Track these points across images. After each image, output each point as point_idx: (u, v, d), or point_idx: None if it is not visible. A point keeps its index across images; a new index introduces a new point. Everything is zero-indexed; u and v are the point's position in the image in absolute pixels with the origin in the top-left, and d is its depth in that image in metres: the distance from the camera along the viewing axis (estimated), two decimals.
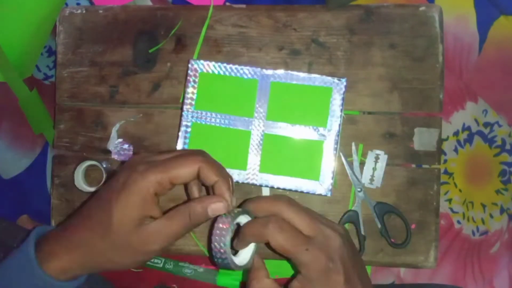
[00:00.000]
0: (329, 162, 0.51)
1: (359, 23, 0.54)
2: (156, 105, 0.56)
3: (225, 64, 0.52)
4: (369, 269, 0.62)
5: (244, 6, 0.56)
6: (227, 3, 0.58)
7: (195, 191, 0.43)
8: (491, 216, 0.60)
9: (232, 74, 0.52)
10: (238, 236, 0.40)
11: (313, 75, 0.51)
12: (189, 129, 0.52)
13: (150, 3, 0.61)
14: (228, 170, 0.51)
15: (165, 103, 0.56)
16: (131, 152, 0.56)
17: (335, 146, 0.51)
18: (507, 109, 0.60)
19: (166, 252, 0.56)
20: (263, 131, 0.52)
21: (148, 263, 0.62)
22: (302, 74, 0.52)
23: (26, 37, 0.60)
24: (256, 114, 0.52)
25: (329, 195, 0.51)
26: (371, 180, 0.53)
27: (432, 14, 0.54)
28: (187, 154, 0.40)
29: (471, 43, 0.60)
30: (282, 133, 0.52)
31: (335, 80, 0.51)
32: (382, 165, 0.53)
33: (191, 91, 0.52)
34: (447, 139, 0.60)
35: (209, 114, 0.52)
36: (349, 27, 0.55)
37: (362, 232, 0.52)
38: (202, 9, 0.56)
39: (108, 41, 0.57)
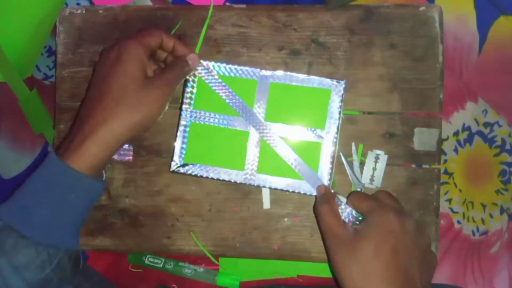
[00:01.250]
0: (326, 164, 0.51)
1: (359, 23, 0.54)
2: None
3: (224, 64, 0.52)
4: None
5: (244, 6, 0.56)
6: (227, 3, 0.58)
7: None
8: (491, 216, 0.60)
9: (232, 74, 0.52)
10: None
11: (312, 77, 0.51)
12: (187, 129, 0.52)
13: (150, 3, 0.61)
14: (225, 170, 0.51)
15: None
16: (131, 152, 0.56)
17: (333, 148, 0.51)
18: (507, 109, 0.60)
19: (166, 252, 0.56)
20: (261, 132, 0.52)
21: (148, 263, 0.62)
22: (301, 76, 0.52)
23: (26, 37, 0.60)
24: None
25: None
26: (371, 180, 0.53)
27: (432, 14, 0.54)
28: (151, 30, 0.50)
29: (471, 43, 0.60)
30: (280, 134, 0.52)
31: (334, 82, 0.51)
32: (382, 165, 0.53)
33: (190, 91, 0.52)
34: (447, 139, 0.60)
35: (207, 114, 0.52)
36: (349, 27, 0.55)
37: None
38: (202, 9, 0.56)
39: (108, 41, 0.57)
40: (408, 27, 0.54)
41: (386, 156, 0.53)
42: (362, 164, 0.53)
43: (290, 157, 0.51)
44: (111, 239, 0.55)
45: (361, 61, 0.54)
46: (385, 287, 0.40)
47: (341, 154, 0.53)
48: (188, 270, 0.60)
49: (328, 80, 0.51)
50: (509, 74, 0.59)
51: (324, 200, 0.47)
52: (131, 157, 0.56)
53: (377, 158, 0.53)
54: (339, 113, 0.51)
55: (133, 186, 0.56)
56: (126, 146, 0.56)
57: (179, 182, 0.55)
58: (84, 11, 0.57)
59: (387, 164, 0.53)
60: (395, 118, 0.54)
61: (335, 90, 0.51)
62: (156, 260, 0.60)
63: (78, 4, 0.61)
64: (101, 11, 0.57)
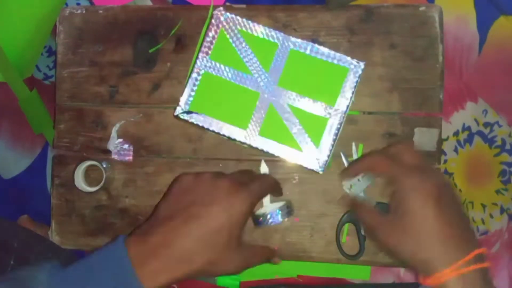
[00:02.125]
0: (328, 140, 0.51)
1: (359, 23, 0.54)
2: (156, 105, 0.56)
3: (249, 21, 0.51)
4: (369, 269, 0.62)
5: (244, 6, 0.56)
6: (227, 3, 0.58)
7: None
8: (491, 216, 0.60)
9: (254, 33, 0.51)
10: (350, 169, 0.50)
11: (333, 52, 0.51)
12: (199, 77, 0.52)
13: (150, 3, 0.61)
14: (228, 125, 0.51)
15: (165, 103, 0.56)
16: (131, 152, 0.56)
17: (338, 126, 0.51)
18: (507, 109, 0.60)
19: None
20: (271, 95, 0.51)
21: None
22: (322, 49, 0.51)
23: (26, 37, 0.60)
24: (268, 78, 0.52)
25: (321, 172, 0.51)
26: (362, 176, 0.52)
27: (432, 14, 0.54)
28: (265, 179, 0.47)
29: (471, 43, 0.60)
30: (289, 102, 0.51)
31: (354, 61, 0.51)
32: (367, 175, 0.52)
33: (210, 40, 0.51)
34: (447, 139, 0.60)
35: (222, 66, 0.51)
36: (349, 27, 0.55)
37: (362, 232, 0.52)
38: (202, 9, 0.56)
39: (108, 41, 0.57)
40: (408, 27, 0.54)
41: None
42: None
43: (294, 126, 0.51)
44: (111, 239, 0.55)
45: None
46: (444, 249, 0.40)
47: (341, 153, 0.53)
48: None
49: (348, 59, 0.51)
50: (509, 74, 0.59)
51: (356, 207, 0.48)
52: (131, 157, 0.56)
53: None
54: (352, 93, 0.51)
55: (133, 186, 0.56)
56: (126, 146, 0.56)
57: None
58: (84, 11, 0.57)
59: None
60: (395, 118, 0.54)
61: (353, 69, 0.51)
62: None
63: (78, 4, 0.61)
64: (101, 11, 0.57)
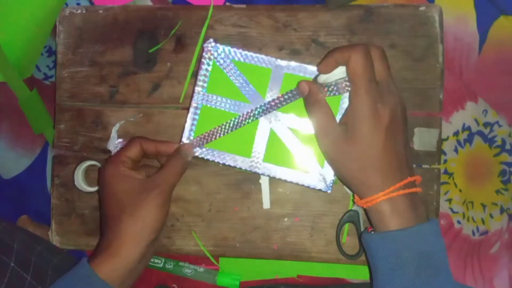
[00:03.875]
0: None
1: (359, 23, 0.55)
2: (156, 105, 0.56)
3: (240, 50, 0.52)
4: (369, 269, 0.62)
5: (244, 6, 0.56)
6: (227, 3, 0.58)
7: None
8: (491, 216, 0.60)
9: (247, 61, 0.52)
10: (324, 59, 0.45)
11: None
12: (198, 111, 0.52)
13: (150, 3, 0.61)
14: (232, 155, 0.51)
15: (165, 103, 0.56)
16: None
17: None
18: (507, 109, 0.60)
19: (166, 252, 0.56)
20: (270, 121, 0.51)
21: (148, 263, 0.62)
22: (315, 68, 0.51)
23: (26, 37, 0.60)
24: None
25: (329, 191, 0.51)
26: None
27: (432, 14, 0.54)
28: (128, 143, 0.51)
29: (471, 43, 0.60)
30: (290, 125, 0.51)
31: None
32: None
33: (204, 74, 0.52)
34: (447, 139, 0.60)
35: (219, 98, 0.52)
36: (349, 27, 0.55)
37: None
38: (202, 9, 0.56)
39: (108, 41, 0.57)
40: (408, 27, 0.54)
41: None
42: None
43: (297, 149, 0.51)
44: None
45: None
46: (380, 177, 0.43)
47: None
48: (188, 270, 0.60)
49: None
50: (509, 74, 0.59)
51: (312, 101, 0.46)
52: None
53: None
54: None
55: None
56: None
57: (179, 182, 0.55)
58: (84, 11, 0.57)
59: None
60: None
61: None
62: (156, 260, 0.60)
63: (78, 4, 0.61)
64: (101, 11, 0.57)
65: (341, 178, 0.47)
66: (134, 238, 0.46)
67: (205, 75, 0.52)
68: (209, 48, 0.51)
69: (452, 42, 0.59)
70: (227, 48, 0.51)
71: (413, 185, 0.44)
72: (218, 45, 0.51)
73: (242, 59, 0.52)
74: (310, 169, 0.51)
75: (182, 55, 0.56)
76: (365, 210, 0.46)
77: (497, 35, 0.59)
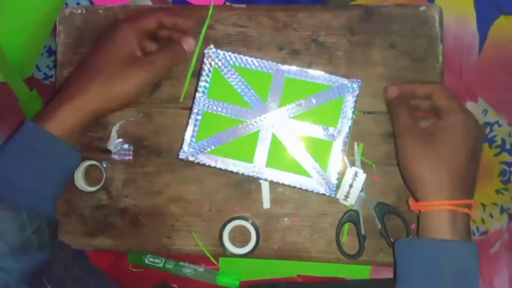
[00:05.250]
0: (336, 163, 0.51)
1: (359, 23, 0.55)
2: (156, 105, 0.56)
3: (241, 56, 0.52)
4: (369, 269, 0.62)
5: (244, 6, 0.56)
6: (227, 3, 0.58)
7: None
8: (491, 216, 0.60)
9: (248, 66, 0.52)
10: (401, 85, 0.51)
11: (328, 75, 0.51)
12: (199, 117, 0.52)
13: (150, 3, 0.61)
14: (234, 161, 0.51)
15: (165, 103, 0.56)
16: (131, 152, 0.56)
17: (343, 147, 0.51)
18: (507, 109, 0.60)
19: (166, 252, 0.56)
20: (272, 126, 0.51)
21: (148, 263, 0.62)
22: (317, 72, 0.51)
23: (26, 37, 0.60)
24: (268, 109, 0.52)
25: (333, 195, 0.51)
26: (346, 196, 0.53)
27: (432, 14, 0.54)
28: (148, 12, 0.52)
29: (471, 43, 0.60)
30: (291, 130, 0.51)
31: (350, 82, 0.51)
32: (358, 184, 0.52)
33: (205, 79, 0.52)
34: None
35: (220, 104, 0.52)
36: (349, 27, 0.55)
37: (362, 232, 0.52)
38: (202, 9, 0.56)
39: None
40: (408, 27, 0.54)
41: (364, 175, 0.52)
42: (363, 163, 0.53)
43: (299, 153, 0.51)
44: (111, 239, 0.55)
45: (361, 61, 0.54)
46: (452, 186, 0.44)
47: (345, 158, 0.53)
48: (188, 269, 0.60)
49: (343, 79, 0.51)
50: (509, 74, 0.59)
51: (399, 102, 0.50)
52: (131, 157, 0.56)
53: (355, 175, 0.52)
54: (352, 113, 0.51)
55: (133, 186, 0.56)
56: (126, 146, 0.56)
57: (179, 182, 0.55)
58: (84, 11, 0.57)
59: (388, 164, 0.53)
60: None
61: (351, 90, 0.51)
62: (156, 260, 0.60)
63: (78, 4, 0.61)
64: (101, 11, 0.57)
65: (408, 173, 0.47)
66: (95, 99, 0.47)
67: (206, 81, 0.52)
68: (210, 54, 0.51)
69: (452, 42, 0.59)
70: (227, 54, 0.51)
71: (470, 207, 0.45)
72: (218, 50, 0.51)
73: (243, 65, 0.52)
74: (313, 174, 0.51)
75: None
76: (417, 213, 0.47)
77: (497, 35, 0.59)
